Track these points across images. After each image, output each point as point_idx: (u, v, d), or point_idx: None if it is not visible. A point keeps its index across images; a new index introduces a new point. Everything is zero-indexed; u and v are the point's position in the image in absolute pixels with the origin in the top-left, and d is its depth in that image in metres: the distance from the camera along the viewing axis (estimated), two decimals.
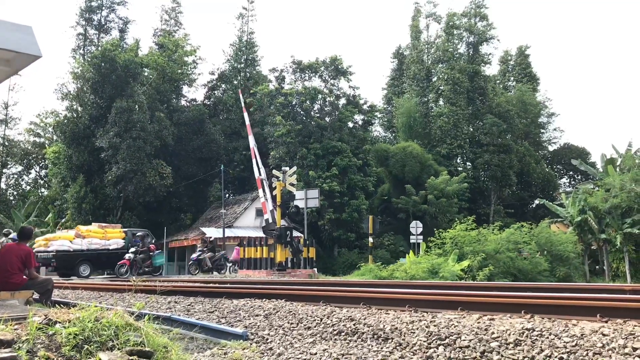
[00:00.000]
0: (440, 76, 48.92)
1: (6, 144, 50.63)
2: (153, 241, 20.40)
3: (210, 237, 27.84)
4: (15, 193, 53.04)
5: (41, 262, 21.11)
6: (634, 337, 4.36)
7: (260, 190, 26.87)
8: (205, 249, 25.10)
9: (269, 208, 25.57)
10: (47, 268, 22.00)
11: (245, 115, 29.97)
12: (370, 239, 30.91)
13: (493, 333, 4.97)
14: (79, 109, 41.79)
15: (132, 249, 21.46)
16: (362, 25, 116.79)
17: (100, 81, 39.37)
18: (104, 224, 25.85)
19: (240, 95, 31.77)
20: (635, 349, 4.17)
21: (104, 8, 46.72)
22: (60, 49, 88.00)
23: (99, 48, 41.77)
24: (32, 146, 53.35)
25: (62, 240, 22.62)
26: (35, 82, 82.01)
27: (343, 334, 5.89)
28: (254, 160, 27.28)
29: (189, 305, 8.70)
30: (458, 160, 49.20)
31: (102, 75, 39.10)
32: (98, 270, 23.64)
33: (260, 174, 26.74)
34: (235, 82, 50.64)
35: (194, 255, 25.00)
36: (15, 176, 53.67)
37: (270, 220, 24.93)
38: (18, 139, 52.91)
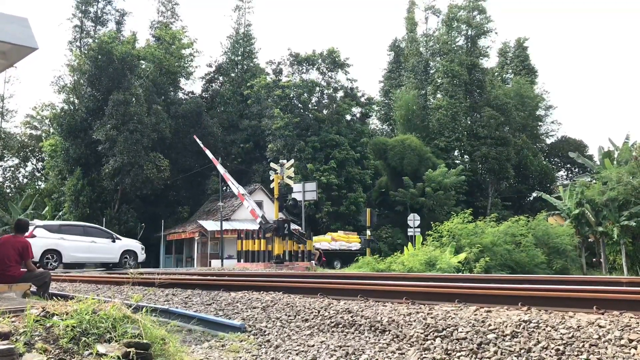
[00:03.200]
0: (439, 69, 48.85)
1: (2, 136, 50.42)
2: None
3: None
4: (12, 186, 52.91)
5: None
6: (630, 329, 4.38)
7: (245, 202, 27.74)
8: None
9: (258, 214, 26.04)
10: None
11: (207, 152, 30.66)
12: (368, 232, 30.97)
13: (490, 325, 4.98)
14: (76, 101, 41.62)
15: None
16: (358, 17, 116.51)
17: (97, 74, 39.21)
18: (346, 232, 34.64)
19: (197, 139, 32.38)
20: (631, 341, 4.19)
21: (100, 0, 46.51)
22: (56, 41, 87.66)
23: (96, 40, 41.57)
24: (29, 139, 53.16)
25: (324, 242, 30.82)
26: (31, 74, 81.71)
27: (340, 326, 5.90)
28: (229, 183, 28.75)
29: (186, 297, 8.70)
30: (456, 153, 49.25)
31: (98, 68, 38.93)
32: (345, 265, 28.08)
33: (239, 190, 27.78)
34: (233, 74, 50.52)
35: None
36: (12, 169, 53.54)
37: (265, 222, 25.12)
38: (14, 131, 52.79)
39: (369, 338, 5.41)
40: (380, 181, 44.10)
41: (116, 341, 3.83)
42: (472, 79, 47.37)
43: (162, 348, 4.05)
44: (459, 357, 4.60)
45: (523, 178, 50.33)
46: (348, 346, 5.18)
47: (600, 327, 4.53)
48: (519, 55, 55.19)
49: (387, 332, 5.43)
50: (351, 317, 6.04)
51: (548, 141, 56.61)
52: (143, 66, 43.16)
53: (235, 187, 28.02)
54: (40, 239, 18.94)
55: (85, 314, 4.01)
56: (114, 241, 21.29)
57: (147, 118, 38.66)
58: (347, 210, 38.51)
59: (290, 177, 26.12)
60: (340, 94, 43.39)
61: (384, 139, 43.99)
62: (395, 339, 5.23)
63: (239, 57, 51.38)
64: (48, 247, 19.28)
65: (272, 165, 26.64)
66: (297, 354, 5.17)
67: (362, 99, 44.51)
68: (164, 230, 36.95)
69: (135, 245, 22.21)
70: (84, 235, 20.68)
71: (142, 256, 22.14)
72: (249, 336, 5.96)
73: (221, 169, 29.53)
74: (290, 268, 21.91)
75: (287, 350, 5.32)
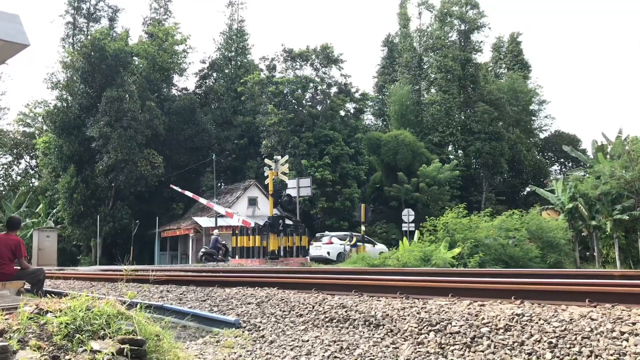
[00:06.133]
0: (433, 64, 48.85)
1: None
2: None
3: None
4: (5, 184, 52.67)
5: None
6: (622, 321, 4.41)
7: (235, 216, 29.50)
8: None
9: (250, 222, 27.22)
10: None
11: (187, 193, 33.43)
12: (363, 227, 30.98)
13: (483, 319, 5.01)
14: (69, 98, 41.42)
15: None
16: (351, 13, 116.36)
17: (90, 70, 39.03)
18: None
19: (173, 187, 33.79)
20: (622, 333, 4.21)
21: None
22: (49, 38, 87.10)
23: (89, 37, 41.36)
24: (22, 136, 52.90)
25: None
26: (23, 71, 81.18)
27: (335, 321, 5.91)
28: (214, 209, 31.70)
29: (181, 294, 8.71)
30: (450, 148, 49.30)
31: (92, 65, 38.75)
32: None
33: (226, 210, 30.00)
34: (227, 70, 50.41)
35: None
36: (5, 166, 53.31)
37: (257, 226, 25.43)
38: (7, 129, 52.50)
39: (363, 333, 5.43)
40: (374, 177, 44.11)
41: (110, 338, 3.83)
42: (466, 74, 47.40)
43: (157, 344, 4.05)
44: (452, 351, 4.62)
45: (517, 173, 50.46)
46: (342, 341, 5.20)
47: (593, 320, 4.56)
48: (513, 50, 55.19)
49: (381, 327, 5.45)
50: (345, 312, 6.06)
51: (542, 136, 56.66)
52: (136, 63, 42.99)
53: (221, 209, 30.45)
54: (335, 245, 26.18)
55: (79, 311, 4.00)
56: (374, 246, 28.08)
57: (141, 115, 38.52)
58: (341, 205, 38.53)
59: (284, 173, 26.12)
60: (334, 89, 43.34)
61: (378, 134, 43.94)
62: (389, 334, 5.25)
63: (233, 54, 51.25)
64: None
65: (267, 161, 26.65)
66: (291, 349, 5.19)
67: (356, 95, 44.46)
68: (158, 227, 36.87)
69: (384, 248, 28.04)
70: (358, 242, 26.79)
71: None
72: (243, 332, 5.97)
73: (203, 201, 32.31)
74: (285, 264, 21.92)
75: (282, 345, 5.34)
